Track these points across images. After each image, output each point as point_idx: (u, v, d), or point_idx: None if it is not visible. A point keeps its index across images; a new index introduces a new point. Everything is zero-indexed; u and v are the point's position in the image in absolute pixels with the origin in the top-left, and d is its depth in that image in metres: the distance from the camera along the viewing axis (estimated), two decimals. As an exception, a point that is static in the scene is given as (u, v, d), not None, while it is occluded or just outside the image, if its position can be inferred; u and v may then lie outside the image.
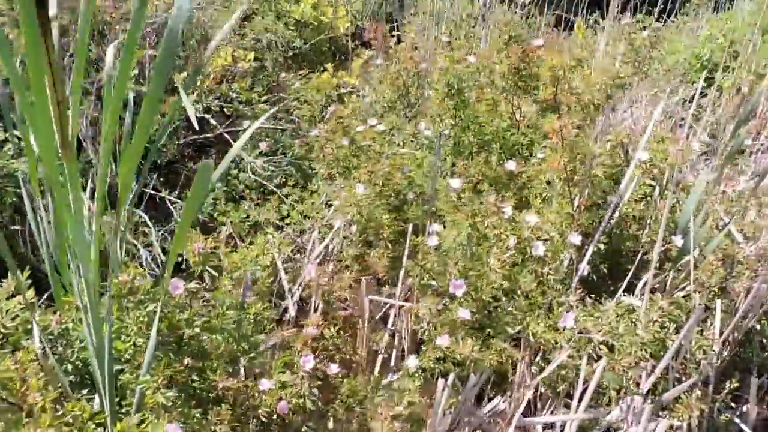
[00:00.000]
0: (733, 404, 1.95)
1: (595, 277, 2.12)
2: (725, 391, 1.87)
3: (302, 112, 3.43)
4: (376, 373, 2.21)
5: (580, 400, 1.52)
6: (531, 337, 1.58)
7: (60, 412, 1.08)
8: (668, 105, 4.54)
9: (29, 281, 1.55)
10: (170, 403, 1.17)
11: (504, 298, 1.67)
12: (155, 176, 3.61)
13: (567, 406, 1.71)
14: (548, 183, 2.19)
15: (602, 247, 2.02)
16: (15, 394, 1.19)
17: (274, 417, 1.44)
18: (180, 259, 3.24)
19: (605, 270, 2.12)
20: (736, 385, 1.86)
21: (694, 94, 3.90)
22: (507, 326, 1.58)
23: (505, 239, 1.82)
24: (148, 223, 3.25)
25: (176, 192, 3.46)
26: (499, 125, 2.64)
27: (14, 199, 2.71)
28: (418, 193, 2.72)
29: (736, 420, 1.86)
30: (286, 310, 2.73)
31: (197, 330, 1.51)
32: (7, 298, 1.49)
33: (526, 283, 1.66)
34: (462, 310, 1.46)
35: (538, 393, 1.78)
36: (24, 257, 2.67)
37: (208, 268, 2.71)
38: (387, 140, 2.76)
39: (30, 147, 1.21)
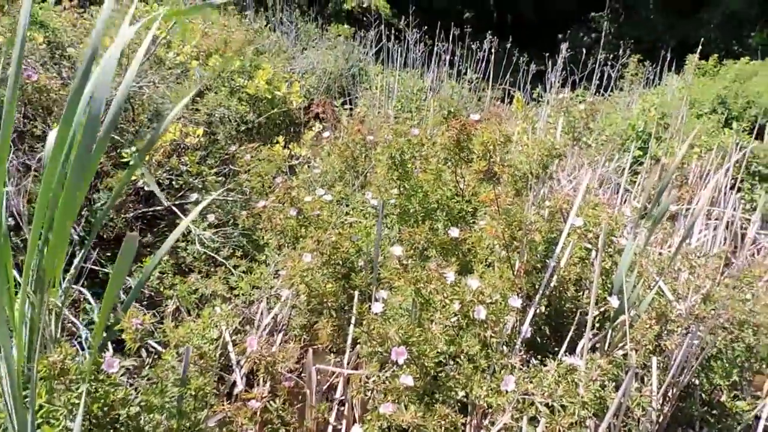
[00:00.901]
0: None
1: (539, 339, 2.17)
2: (669, 449, 1.90)
3: (253, 184, 3.47)
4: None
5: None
6: (475, 401, 1.59)
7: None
8: (605, 173, 4.82)
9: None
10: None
11: (451, 363, 1.68)
12: (99, 251, 3.53)
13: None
14: (490, 249, 2.28)
15: (543, 309, 2.08)
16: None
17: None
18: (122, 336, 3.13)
19: (548, 331, 2.17)
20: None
21: (629, 162, 4.17)
22: (451, 391, 1.59)
23: (449, 304, 1.86)
24: (90, 299, 3.14)
25: (122, 266, 3.38)
26: (444, 194, 2.75)
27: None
28: (366, 261, 2.76)
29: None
30: (234, 383, 2.65)
31: (134, 410, 1.45)
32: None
33: (469, 347, 1.68)
34: (404, 376, 1.47)
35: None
36: None
37: (151, 343, 2.62)
38: (335, 210, 2.82)
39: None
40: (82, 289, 3.20)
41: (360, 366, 2.32)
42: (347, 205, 3.10)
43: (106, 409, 1.41)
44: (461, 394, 1.63)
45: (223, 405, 1.58)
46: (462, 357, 1.72)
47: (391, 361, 1.61)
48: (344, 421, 2.20)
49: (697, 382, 2.24)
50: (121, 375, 1.47)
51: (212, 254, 3.23)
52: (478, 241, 2.23)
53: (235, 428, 1.59)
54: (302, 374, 2.33)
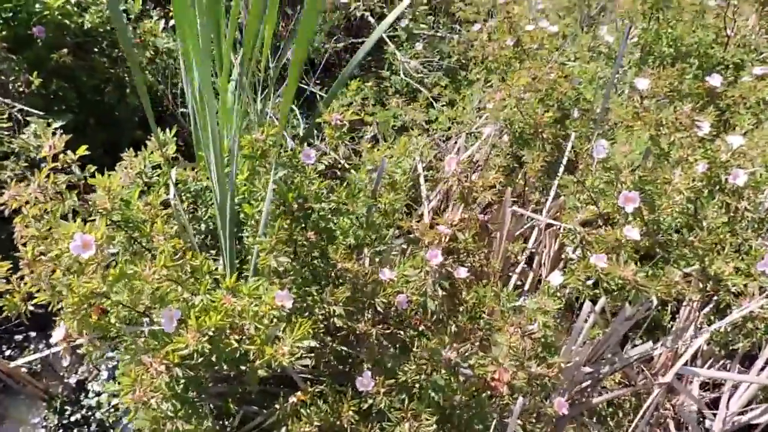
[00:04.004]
0: None
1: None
2: None
3: (465, 15, 3.14)
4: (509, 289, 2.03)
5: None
6: (710, 279, 1.27)
7: (179, 261, 1.05)
8: None
9: (175, 138, 1.56)
10: (282, 269, 1.10)
11: (684, 230, 1.36)
12: (312, 77, 3.61)
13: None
14: (761, 103, 1.75)
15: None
16: (144, 234, 1.19)
17: (392, 310, 1.33)
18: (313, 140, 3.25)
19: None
20: None
21: None
22: (683, 260, 1.28)
23: (693, 163, 1.48)
24: (298, 116, 3.27)
25: (331, 93, 3.43)
26: (703, 38, 2.17)
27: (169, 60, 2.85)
28: (584, 110, 2.37)
29: None
30: (420, 217, 2.61)
31: (325, 207, 1.42)
32: (152, 153, 1.51)
33: (714, 214, 1.33)
34: (630, 228, 1.20)
35: (700, 349, 1.47)
36: (174, 116, 2.83)
37: (348, 164, 2.63)
38: (558, 46, 2.42)
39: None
40: (291, 106, 3.33)
41: (558, 219, 2.07)
42: (571, 47, 2.65)
43: (300, 200, 1.40)
44: (693, 267, 1.31)
45: (410, 222, 1.48)
46: (701, 225, 1.38)
47: (609, 211, 1.34)
48: (530, 274, 2.03)
49: None
50: (319, 170, 1.43)
51: (416, 85, 3.08)
52: (749, 94, 1.72)
53: (419, 250, 1.50)
54: (491, 212, 2.17)
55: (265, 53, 1.63)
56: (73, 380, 2.04)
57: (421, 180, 2.61)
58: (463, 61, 3.15)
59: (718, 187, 1.51)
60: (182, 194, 1.51)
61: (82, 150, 1.17)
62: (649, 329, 1.52)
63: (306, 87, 3.45)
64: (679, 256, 1.29)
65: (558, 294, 1.24)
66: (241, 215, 1.43)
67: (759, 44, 2.22)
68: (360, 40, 3.85)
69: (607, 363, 1.32)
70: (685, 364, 1.48)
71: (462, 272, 1.39)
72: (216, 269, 1.20)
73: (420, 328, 1.33)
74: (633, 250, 1.22)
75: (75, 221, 1.10)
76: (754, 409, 1.30)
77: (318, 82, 3.69)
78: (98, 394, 1.99)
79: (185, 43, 1.17)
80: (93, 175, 1.23)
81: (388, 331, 1.30)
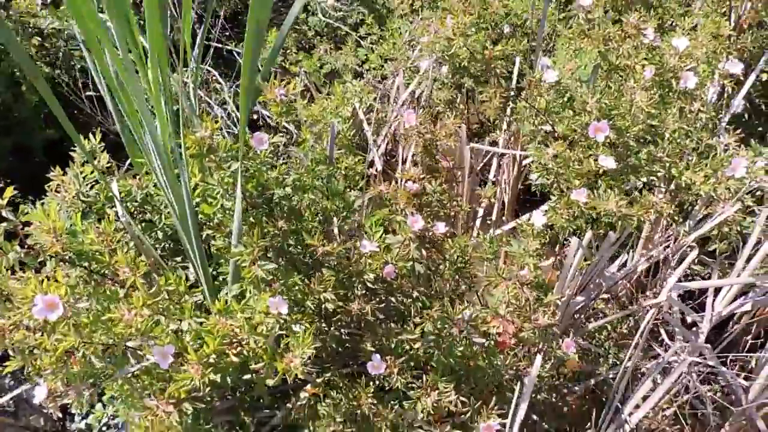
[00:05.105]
0: None
1: (747, 116, 1.75)
2: None
3: (374, -62, 2.95)
4: (477, 227, 2.04)
5: (747, 262, 1.27)
6: (681, 190, 1.30)
7: (153, 289, 0.97)
8: None
9: (102, 145, 1.41)
10: (270, 276, 1.03)
11: (647, 143, 1.37)
12: (219, 30, 3.34)
13: (704, 278, 1.47)
14: (688, 4, 1.75)
15: (764, 77, 1.63)
16: (106, 266, 1.08)
17: (380, 282, 1.30)
18: (254, 116, 3.07)
19: (762, 107, 1.74)
20: None
21: None
22: (653, 175, 1.30)
23: (639, 71, 1.47)
24: (219, 79, 3.05)
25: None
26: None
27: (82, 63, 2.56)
28: (516, 25, 2.32)
29: None
30: (371, 164, 2.55)
31: (288, 190, 1.34)
32: (82, 165, 1.36)
33: (673, 122, 1.34)
34: (605, 157, 1.19)
35: (671, 254, 1.53)
36: (93, 120, 2.57)
37: (286, 123, 2.51)
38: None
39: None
40: (209, 68, 3.10)
41: (513, 147, 2.07)
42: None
43: (260, 188, 1.31)
44: (663, 183, 1.34)
45: (378, 186, 1.43)
46: (660, 136, 1.39)
47: (571, 137, 1.33)
48: (495, 204, 2.04)
49: None
50: (269, 153, 1.34)
51: (337, 25, 2.91)
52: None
53: (390, 210, 1.46)
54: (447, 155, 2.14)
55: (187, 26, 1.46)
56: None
57: (365, 125, 2.53)
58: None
59: (668, 91, 1.52)
60: (129, 206, 1.38)
61: (10, 192, 1.03)
62: (624, 245, 1.57)
63: (219, 45, 3.20)
64: (649, 173, 1.30)
65: (542, 234, 1.24)
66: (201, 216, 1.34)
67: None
68: (263, -19, 3.57)
69: (596, 288, 1.36)
70: (658, 270, 1.54)
71: (440, 227, 1.36)
72: (194, 287, 1.12)
73: (414, 294, 1.31)
74: (609, 178, 1.23)
75: (24, 271, 0.99)
76: (732, 303, 1.39)
77: (227, 33, 3.43)
78: (86, 415, 1.91)
79: (87, 30, 1.00)
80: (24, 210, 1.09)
81: (383, 305, 1.27)
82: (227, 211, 1.31)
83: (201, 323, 1.01)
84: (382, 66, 2.62)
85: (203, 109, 2.89)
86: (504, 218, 2.19)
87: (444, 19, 1.90)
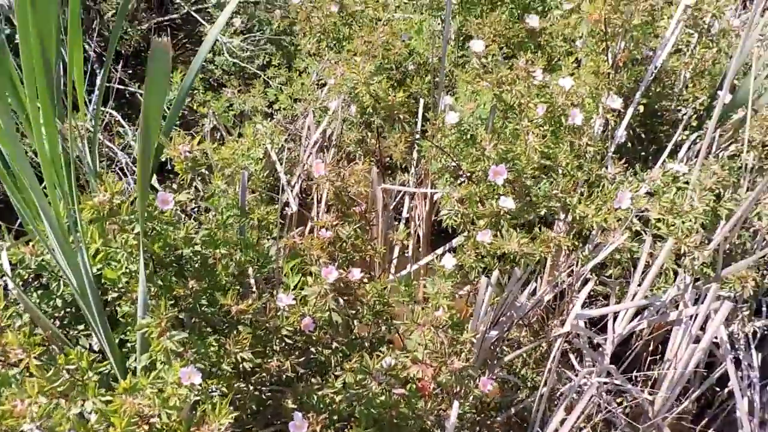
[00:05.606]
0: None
1: (630, 144, 1.90)
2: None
3: (277, -22, 2.97)
4: (394, 266, 2.07)
5: (639, 285, 1.38)
6: (576, 222, 1.39)
7: (50, 373, 0.90)
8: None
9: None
10: (180, 348, 1.00)
11: (543, 178, 1.46)
12: (120, 69, 3.22)
13: (606, 297, 1.58)
14: (572, 41, 1.90)
15: (641, 108, 1.78)
16: (-5, 347, 1.00)
17: (298, 336, 1.29)
18: (164, 158, 2.97)
19: (641, 134, 1.90)
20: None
21: None
22: (550, 211, 1.39)
23: (532, 108, 1.57)
24: (122, 122, 2.93)
25: (147, 84, 3.09)
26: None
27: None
28: (420, 63, 2.41)
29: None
30: (286, 204, 2.53)
31: (197, 248, 1.30)
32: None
33: (565, 157, 1.44)
34: (505, 198, 1.26)
35: (574, 281, 1.63)
36: None
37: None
38: (381, 3, 2.39)
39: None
40: (112, 111, 2.97)
41: (422, 184, 2.13)
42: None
43: (167, 248, 1.27)
44: (557, 214, 1.43)
45: (294, 238, 1.42)
46: (554, 170, 1.49)
47: (467, 176, 1.39)
48: (411, 241, 2.08)
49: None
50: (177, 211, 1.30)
51: (244, 65, 2.89)
52: (563, 30, 1.85)
53: (305, 260, 1.45)
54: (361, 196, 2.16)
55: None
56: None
57: (278, 166, 2.51)
58: (287, 27, 3.00)
59: (559, 126, 1.64)
60: (23, 273, 1.29)
61: None
62: (533, 271, 1.65)
63: (122, 87, 3.08)
64: (547, 208, 1.39)
65: (454, 273, 1.28)
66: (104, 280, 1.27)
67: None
68: (167, 18, 3.50)
69: (508, 320, 1.42)
70: (563, 295, 1.64)
71: (356, 273, 1.37)
72: (100, 355, 1.06)
73: (333, 345, 1.31)
74: (511, 217, 1.29)
75: None
76: (631, 322, 1.50)
77: (130, 71, 3.32)
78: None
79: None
80: None
81: (303, 359, 1.26)
82: (133, 274, 1.26)
83: (107, 402, 0.96)
84: (292, 106, 2.62)
85: (105, 155, 2.76)
86: (421, 250, 2.25)
87: (349, 61, 1.95)
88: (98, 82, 2.21)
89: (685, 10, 1.80)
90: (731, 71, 1.65)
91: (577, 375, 1.41)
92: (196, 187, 1.68)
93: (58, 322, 1.32)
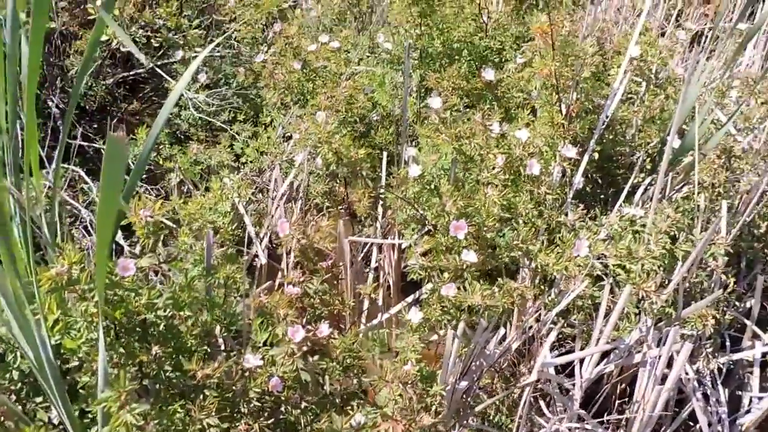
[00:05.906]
0: (736, 302, 1.89)
1: (587, 189, 1.97)
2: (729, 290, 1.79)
3: (242, 35, 3.04)
4: (364, 318, 2.07)
5: (601, 331, 1.40)
6: (538, 269, 1.43)
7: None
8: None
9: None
10: (141, 421, 0.97)
11: (504, 228, 1.50)
12: (84, 124, 3.21)
13: (575, 339, 1.61)
14: (527, 93, 1.98)
15: (596, 155, 1.86)
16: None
17: (267, 396, 1.27)
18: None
19: (599, 180, 1.97)
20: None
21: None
22: (512, 260, 1.42)
23: (492, 159, 1.63)
24: (86, 178, 2.90)
25: (112, 140, 3.08)
26: (467, 29, 2.37)
27: None
28: (383, 115, 2.47)
29: (743, 319, 1.82)
30: (255, 257, 2.52)
31: (161, 312, 1.28)
32: None
33: (525, 208, 1.48)
34: (467, 252, 1.29)
35: (542, 327, 1.66)
36: None
37: (165, 222, 2.43)
38: (343, 59, 2.46)
39: None
40: (75, 167, 2.94)
41: (389, 233, 2.16)
42: (354, 53, 2.71)
43: (129, 315, 1.25)
44: (521, 262, 1.46)
45: (260, 297, 1.42)
46: (515, 220, 1.53)
47: (436, 228, 1.42)
48: (380, 291, 2.09)
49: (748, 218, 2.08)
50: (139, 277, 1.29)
51: (210, 119, 2.91)
52: (517, 83, 1.93)
53: (275, 319, 1.44)
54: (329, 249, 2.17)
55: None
56: None
57: (246, 219, 2.51)
58: (252, 80, 3.05)
59: (518, 175, 1.69)
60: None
61: None
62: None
63: (86, 144, 3.07)
64: (509, 257, 1.42)
65: (421, 327, 1.29)
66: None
67: (510, 24, 2.48)
68: (132, 73, 3.52)
69: (478, 369, 1.42)
70: (532, 342, 1.65)
71: (324, 329, 1.37)
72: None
73: (302, 405, 1.29)
74: (474, 270, 1.32)
75: None
76: (598, 365, 1.52)
77: (95, 126, 3.31)
78: None
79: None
80: None
81: (272, 420, 1.24)
82: (94, 343, 1.23)
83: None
84: (259, 159, 2.64)
85: (69, 212, 2.72)
86: (392, 297, 2.25)
87: (313, 116, 1.99)
88: (60, 137, 2.20)
89: (631, 61, 1.91)
90: (676, 118, 1.73)
91: (548, 422, 1.42)
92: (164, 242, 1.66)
93: (14, 396, 1.28)
